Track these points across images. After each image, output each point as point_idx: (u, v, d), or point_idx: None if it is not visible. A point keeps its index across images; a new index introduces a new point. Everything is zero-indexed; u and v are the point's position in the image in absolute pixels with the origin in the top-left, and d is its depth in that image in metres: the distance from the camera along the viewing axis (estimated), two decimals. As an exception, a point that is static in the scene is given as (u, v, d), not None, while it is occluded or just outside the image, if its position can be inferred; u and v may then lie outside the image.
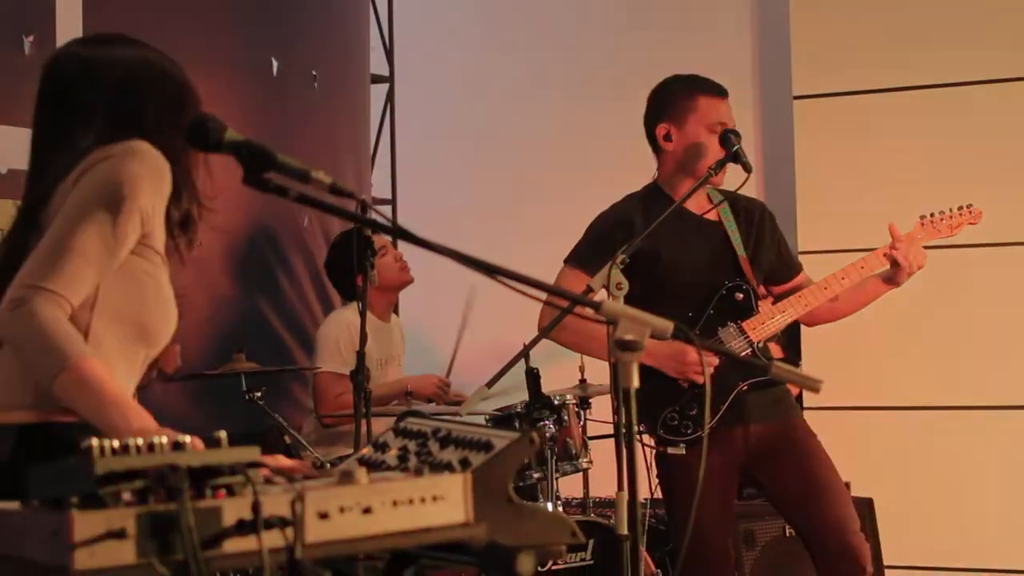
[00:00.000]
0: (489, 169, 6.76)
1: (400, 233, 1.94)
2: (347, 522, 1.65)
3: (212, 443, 1.66)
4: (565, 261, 3.93)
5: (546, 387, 4.75)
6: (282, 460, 2.09)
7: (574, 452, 4.68)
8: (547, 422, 4.59)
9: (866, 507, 5.09)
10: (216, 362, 4.87)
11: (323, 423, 5.09)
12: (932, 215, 4.03)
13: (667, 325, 2.02)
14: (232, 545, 1.57)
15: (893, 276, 3.87)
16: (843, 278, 3.91)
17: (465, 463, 1.86)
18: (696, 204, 3.89)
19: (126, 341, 2.34)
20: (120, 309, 2.33)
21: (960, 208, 4.05)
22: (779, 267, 4.05)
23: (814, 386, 2.15)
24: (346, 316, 5.16)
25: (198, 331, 5.17)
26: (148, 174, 2.34)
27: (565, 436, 4.65)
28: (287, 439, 4.72)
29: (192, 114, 2.31)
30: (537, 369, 4.71)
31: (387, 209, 6.92)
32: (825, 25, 6.01)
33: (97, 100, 2.43)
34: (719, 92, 3.92)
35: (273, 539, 1.59)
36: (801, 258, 5.79)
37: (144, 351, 2.40)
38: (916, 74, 5.82)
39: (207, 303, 5.24)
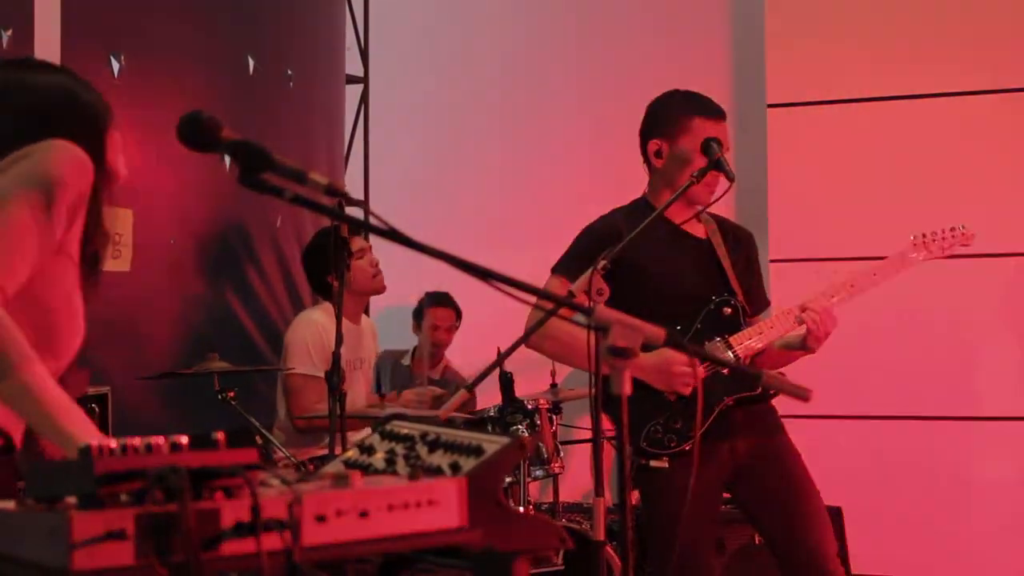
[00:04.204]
0: (463, 170, 6.76)
1: (396, 237, 1.92)
2: (344, 525, 1.64)
3: (209, 444, 1.65)
4: (552, 270, 3.82)
5: (518, 392, 4.76)
6: None
7: (546, 457, 4.69)
8: (521, 426, 4.60)
9: (835, 516, 5.12)
10: (188, 361, 4.84)
11: (295, 426, 5.04)
12: (924, 235, 3.96)
13: (659, 332, 2.03)
14: (230, 547, 1.56)
15: (804, 341, 3.78)
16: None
17: (455, 467, 1.85)
18: (686, 224, 3.86)
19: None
20: (27, 311, 2.20)
21: (952, 229, 3.98)
22: (749, 299, 3.92)
23: (803, 395, 2.16)
24: (315, 318, 5.11)
25: (170, 329, 5.14)
26: (75, 168, 2.28)
27: (537, 441, 4.66)
28: (259, 439, 4.69)
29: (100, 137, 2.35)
30: (511, 373, 4.72)
31: (358, 209, 6.89)
32: (799, 34, 6.05)
33: (6, 126, 2.35)
34: (716, 113, 3.82)
35: (271, 541, 1.58)
36: (772, 266, 5.84)
37: (48, 362, 2.21)
38: (889, 84, 5.88)
39: (179, 301, 5.21)
